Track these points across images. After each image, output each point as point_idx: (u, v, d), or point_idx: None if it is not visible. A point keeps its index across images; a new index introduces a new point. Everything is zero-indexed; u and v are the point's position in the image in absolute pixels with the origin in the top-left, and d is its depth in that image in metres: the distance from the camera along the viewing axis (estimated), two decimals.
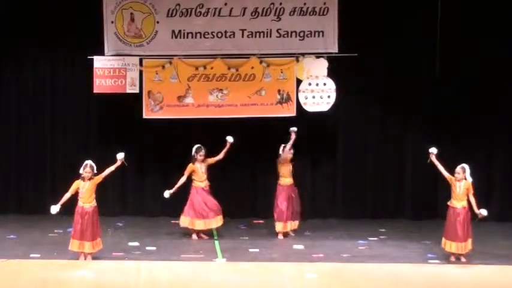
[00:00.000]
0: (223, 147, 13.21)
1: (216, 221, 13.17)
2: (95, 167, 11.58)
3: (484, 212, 11.62)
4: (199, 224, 13.08)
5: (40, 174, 14.91)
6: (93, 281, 10.86)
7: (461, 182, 11.65)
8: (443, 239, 11.75)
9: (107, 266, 11.37)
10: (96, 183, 11.56)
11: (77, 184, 11.53)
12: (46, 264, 11.39)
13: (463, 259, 11.67)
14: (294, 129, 13.15)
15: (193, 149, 13.09)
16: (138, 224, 14.26)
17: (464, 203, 11.65)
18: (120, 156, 11.78)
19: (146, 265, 11.38)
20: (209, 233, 13.31)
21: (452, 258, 11.73)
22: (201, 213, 13.05)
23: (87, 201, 11.50)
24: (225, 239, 13.12)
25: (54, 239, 12.95)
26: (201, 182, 13.14)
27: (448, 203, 11.80)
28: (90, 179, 11.51)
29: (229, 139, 13.18)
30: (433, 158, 11.92)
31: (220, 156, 13.21)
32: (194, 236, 13.14)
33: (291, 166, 13.30)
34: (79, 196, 11.53)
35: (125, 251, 12.14)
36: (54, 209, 11.42)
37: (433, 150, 11.96)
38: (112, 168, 11.73)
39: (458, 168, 11.68)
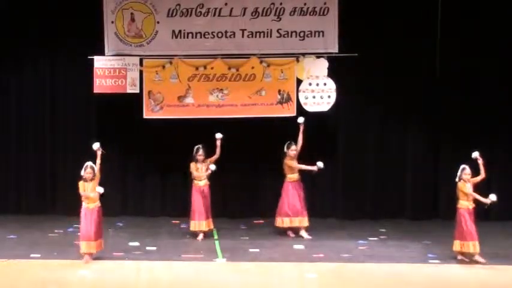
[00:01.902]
0: (215, 146, 13.19)
1: (207, 224, 13.20)
2: (95, 168, 11.59)
3: (493, 197, 11.61)
4: (205, 225, 13.14)
5: (40, 174, 14.91)
6: (93, 281, 10.86)
7: (469, 183, 11.65)
8: (460, 242, 11.63)
9: (107, 266, 11.37)
10: (98, 183, 11.55)
11: (82, 185, 11.54)
12: (46, 264, 11.39)
13: (481, 259, 11.64)
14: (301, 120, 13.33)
15: (194, 150, 13.12)
16: (138, 224, 14.26)
17: (472, 203, 11.67)
18: (96, 146, 11.75)
19: (146, 265, 11.39)
20: (209, 233, 13.32)
21: (465, 258, 11.67)
22: (202, 213, 13.08)
23: (91, 202, 11.51)
24: (225, 239, 13.12)
25: (54, 239, 12.95)
26: (200, 181, 13.16)
27: (459, 205, 11.71)
28: (92, 179, 11.53)
29: (218, 135, 13.15)
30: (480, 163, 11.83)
31: (217, 154, 13.17)
32: (201, 236, 13.13)
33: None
34: (83, 197, 11.53)
35: (125, 251, 12.13)
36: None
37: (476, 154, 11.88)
38: (98, 161, 11.68)
39: (468, 169, 11.66)
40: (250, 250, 12.37)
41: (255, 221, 14.45)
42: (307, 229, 13.29)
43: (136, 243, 12.63)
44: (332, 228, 14.03)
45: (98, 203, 11.57)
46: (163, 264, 11.48)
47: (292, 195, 13.25)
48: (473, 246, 11.59)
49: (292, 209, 13.22)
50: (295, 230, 13.31)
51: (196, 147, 13.11)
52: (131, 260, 11.68)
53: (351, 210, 14.83)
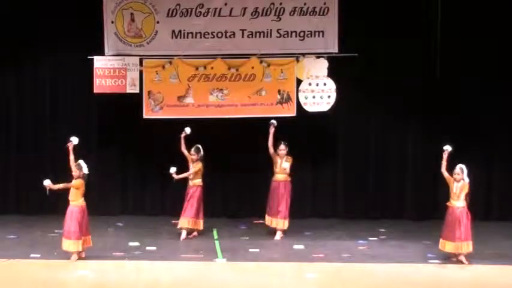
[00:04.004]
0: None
1: (188, 223, 13.11)
2: (83, 167, 11.55)
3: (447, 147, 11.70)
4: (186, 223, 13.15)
5: (40, 174, 14.87)
6: (93, 281, 10.85)
7: (460, 183, 11.64)
8: (441, 240, 11.72)
9: (107, 266, 11.37)
10: (81, 183, 11.53)
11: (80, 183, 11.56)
12: (46, 264, 11.39)
13: (463, 259, 11.63)
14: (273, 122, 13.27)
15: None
16: (138, 224, 14.26)
17: (463, 203, 11.65)
18: (75, 140, 11.78)
19: (146, 265, 11.39)
20: (209, 232, 13.32)
21: (453, 259, 11.72)
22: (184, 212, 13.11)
23: (72, 200, 11.52)
24: (225, 239, 13.12)
25: (54, 239, 12.93)
26: (190, 180, 13.17)
27: (448, 203, 11.79)
28: (77, 178, 11.51)
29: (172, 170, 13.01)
30: (445, 156, 11.85)
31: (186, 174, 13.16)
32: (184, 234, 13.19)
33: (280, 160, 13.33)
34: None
35: (125, 251, 12.13)
36: (47, 181, 11.51)
37: (447, 148, 11.91)
38: (71, 157, 11.73)
39: (458, 169, 11.67)
40: (250, 250, 12.36)
41: (255, 221, 14.44)
42: (284, 232, 13.29)
43: (136, 243, 12.63)
44: (332, 228, 14.03)
45: (77, 203, 11.53)
46: (163, 264, 11.48)
47: (271, 195, 13.26)
48: (454, 246, 11.57)
49: (269, 208, 13.23)
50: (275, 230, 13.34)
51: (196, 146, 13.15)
52: (131, 260, 11.69)
53: (351, 210, 14.84)
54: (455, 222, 11.58)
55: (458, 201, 11.64)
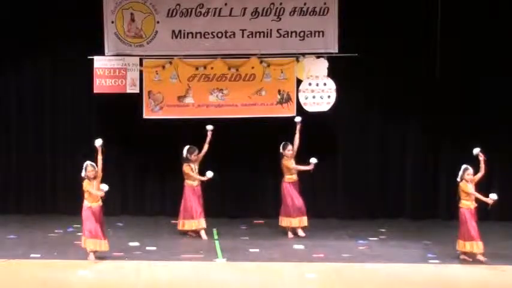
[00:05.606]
0: (205, 138, 13.21)
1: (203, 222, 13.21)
2: (95, 166, 11.58)
3: (494, 196, 11.62)
4: (194, 224, 13.12)
5: (40, 174, 14.91)
6: (93, 281, 10.86)
7: (471, 183, 11.68)
8: (463, 241, 11.69)
9: (107, 266, 11.38)
10: (100, 181, 11.54)
11: (88, 183, 11.48)
12: (46, 264, 11.39)
13: (482, 258, 11.67)
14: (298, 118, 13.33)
15: (185, 150, 13.07)
16: (138, 224, 14.26)
17: (474, 203, 11.70)
18: (98, 143, 11.71)
19: (146, 265, 11.39)
20: (209, 232, 13.33)
21: (468, 258, 11.71)
22: (195, 213, 13.07)
23: (95, 201, 11.49)
24: (225, 239, 13.12)
25: (54, 239, 12.96)
26: (193, 181, 13.14)
27: (461, 205, 11.72)
28: (94, 177, 11.50)
29: (209, 127, 13.17)
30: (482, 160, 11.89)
31: (206, 148, 13.18)
32: (192, 234, 13.18)
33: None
34: (86, 196, 11.49)
35: (125, 251, 12.13)
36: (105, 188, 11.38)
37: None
38: (100, 158, 11.61)
39: (471, 170, 11.69)
40: (250, 250, 12.36)
41: (255, 221, 14.45)
42: (304, 228, 13.30)
43: (136, 243, 12.63)
44: (332, 228, 14.03)
45: (100, 203, 11.55)
46: (163, 264, 11.48)
47: (294, 195, 13.24)
48: (476, 246, 11.61)
49: (296, 209, 13.21)
50: (294, 230, 13.31)
51: (189, 147, 13.10)
52: (131, 260, 11.68)
53: (351, 210, 14.83)
54: (476, 222, 11.63)
55: (473, 202, 11.68)
